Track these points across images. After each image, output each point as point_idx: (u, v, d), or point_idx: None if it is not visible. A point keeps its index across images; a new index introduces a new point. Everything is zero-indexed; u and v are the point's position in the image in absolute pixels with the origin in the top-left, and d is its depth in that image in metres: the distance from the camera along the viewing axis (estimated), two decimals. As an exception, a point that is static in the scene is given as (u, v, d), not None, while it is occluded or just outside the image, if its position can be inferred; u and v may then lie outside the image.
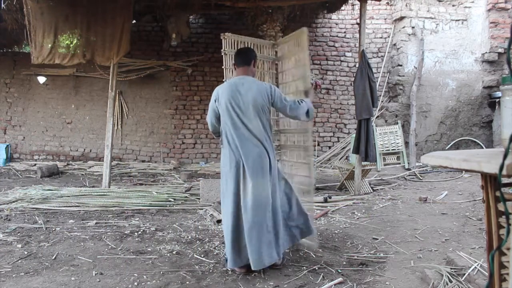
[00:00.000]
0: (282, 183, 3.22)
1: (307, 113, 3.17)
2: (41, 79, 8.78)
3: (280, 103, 3.15)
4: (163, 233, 4.03)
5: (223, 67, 3.55)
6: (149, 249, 3.56)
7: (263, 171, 3.01)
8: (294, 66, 3.72)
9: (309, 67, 3.64)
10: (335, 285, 2.84)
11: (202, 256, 3.40)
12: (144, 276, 2.97)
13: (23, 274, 2.99)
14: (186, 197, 5.54)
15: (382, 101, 8.82)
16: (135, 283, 2.84)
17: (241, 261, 3.00)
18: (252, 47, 3.71)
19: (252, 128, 3.03)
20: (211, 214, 4.54)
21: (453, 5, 8.68)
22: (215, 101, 3.15)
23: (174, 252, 3.49)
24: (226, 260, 3.21)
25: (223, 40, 3.57)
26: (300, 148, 3.76)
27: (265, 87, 3.14)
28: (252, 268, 2.96)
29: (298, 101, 3.20)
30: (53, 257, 3.32)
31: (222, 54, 3.55)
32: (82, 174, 7.51)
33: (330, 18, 9.14)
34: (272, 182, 3.07)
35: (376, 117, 8.57)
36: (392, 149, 6.54)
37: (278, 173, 3.20)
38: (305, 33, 3.58)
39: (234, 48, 3.59)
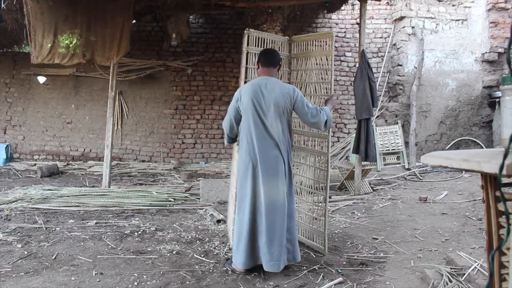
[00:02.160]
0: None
1: (326, 123, 3.11)
2: (41, 79, 8.78)
3: (302, 108, 3.07)
4: (163, 233, 4.03)
5: (245, 65, 3.47)
6: (149, 249, 3.56)
7: (278, 174, 3.00)
8: (315, 67, 3.66)
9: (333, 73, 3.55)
10: (335, 285, 2.84)
11: (202, 256, 3.40)
12: (144, 276, 2.97)
13: (23, 274, 2.99)
14: (186, 197, 5.54)
15: (382, 101, 8.82)
16: (135, 283, 2.84)
17: (253, 262, 3.02)
18: (270, 45, 3.66)
19: (271, 129, 3.01)
20: (211, 214, 4.54)
21: (453, 5, 8.68)
22: (237, 101, 3.11)
23: (174, 252, 3.49)
24: (227, 260, 3.22)
25: (247, 36, 3.46)
26: (311, 151, 3.73)
27: (288, 89, 3.08)
28: (270, 270, 2.97)
29: (319, 109, 3.11)
30: (53, 257, 3.32)
31: (245, 51, 3.46)
32: (82, 174, 7.50)
33: (330, 18, 9.14)
34: (287, 186, 3.07)
35: (376, 117, 8.56)
36: (392, 149, 6.53)
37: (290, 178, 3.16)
38: (332, 36, 3.48)
39: (251, 45, 3.52)
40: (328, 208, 4.99)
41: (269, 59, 3.18)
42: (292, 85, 3.45)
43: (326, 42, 3.56)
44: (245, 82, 3.38)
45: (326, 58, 3.55)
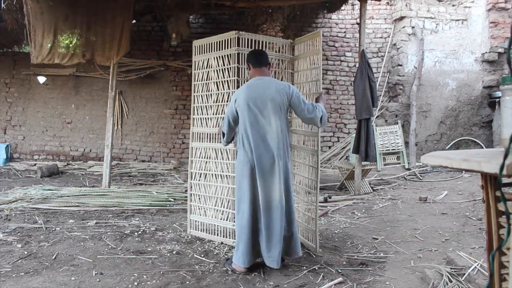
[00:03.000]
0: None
1: (321, 118, 3.12)
2: (41, 79, 8.79)
3: (298, 104, 3.07)
4: (163, 233, 4.04)
5: (238, 65, 3.53)
6: (149, 249, 3.56)
7: (275, 174, 3.00)
8: (309, 67, 3.72)
9: (321, 70, 3.60)
10: (335, 285, 2.84)
11: (202, 256, 3.40)
12: (144, 276, 2.97)
13: (23, 274, 2.99)
14: (186, 197, 5.52)
15: (382, 101, 8.82)
16: (135, 283, 2.84)
17: (253, 260, 3.07)
18: (267, 47, 3.71)
19: (269, 128, 3.01)
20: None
21: (453, 5, 8.68)
22: (235, 101, 3.12)
23: (174, 252, 3.49)
24: (227, 260, 3.22)
25: (240, 38, 3.52)
26: (306, 150, 3.74)
27: (283, 85, 3.10)
28: (269, 266, 3.01)
29: (315, 105, 3.12)
30: (53, 257, 3.32)
31: (237, 52, 3.51)
32: (82, 174, 7.50)
33: (330, 18, 9.14)
34: (284, 185, 3.07)
35: (376, 117, 8.57)
36: (392, 149, 6.53)
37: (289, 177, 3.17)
38: (320, 35, 3.54)
39: (248, 47, 3.56)
40: (326, 206, 5.00)
41: (261, 60, 3.21)
42: (294, 85, 3.47)
43: (316, 41, 3.61)
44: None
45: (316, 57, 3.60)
